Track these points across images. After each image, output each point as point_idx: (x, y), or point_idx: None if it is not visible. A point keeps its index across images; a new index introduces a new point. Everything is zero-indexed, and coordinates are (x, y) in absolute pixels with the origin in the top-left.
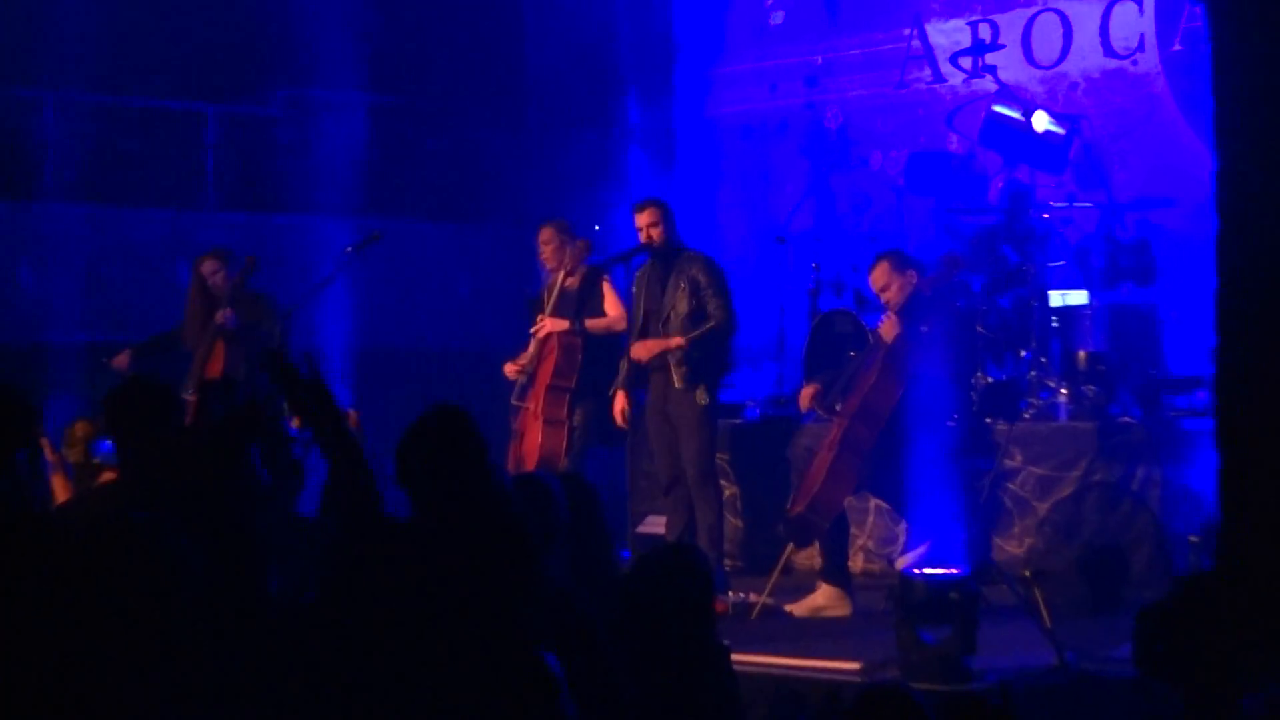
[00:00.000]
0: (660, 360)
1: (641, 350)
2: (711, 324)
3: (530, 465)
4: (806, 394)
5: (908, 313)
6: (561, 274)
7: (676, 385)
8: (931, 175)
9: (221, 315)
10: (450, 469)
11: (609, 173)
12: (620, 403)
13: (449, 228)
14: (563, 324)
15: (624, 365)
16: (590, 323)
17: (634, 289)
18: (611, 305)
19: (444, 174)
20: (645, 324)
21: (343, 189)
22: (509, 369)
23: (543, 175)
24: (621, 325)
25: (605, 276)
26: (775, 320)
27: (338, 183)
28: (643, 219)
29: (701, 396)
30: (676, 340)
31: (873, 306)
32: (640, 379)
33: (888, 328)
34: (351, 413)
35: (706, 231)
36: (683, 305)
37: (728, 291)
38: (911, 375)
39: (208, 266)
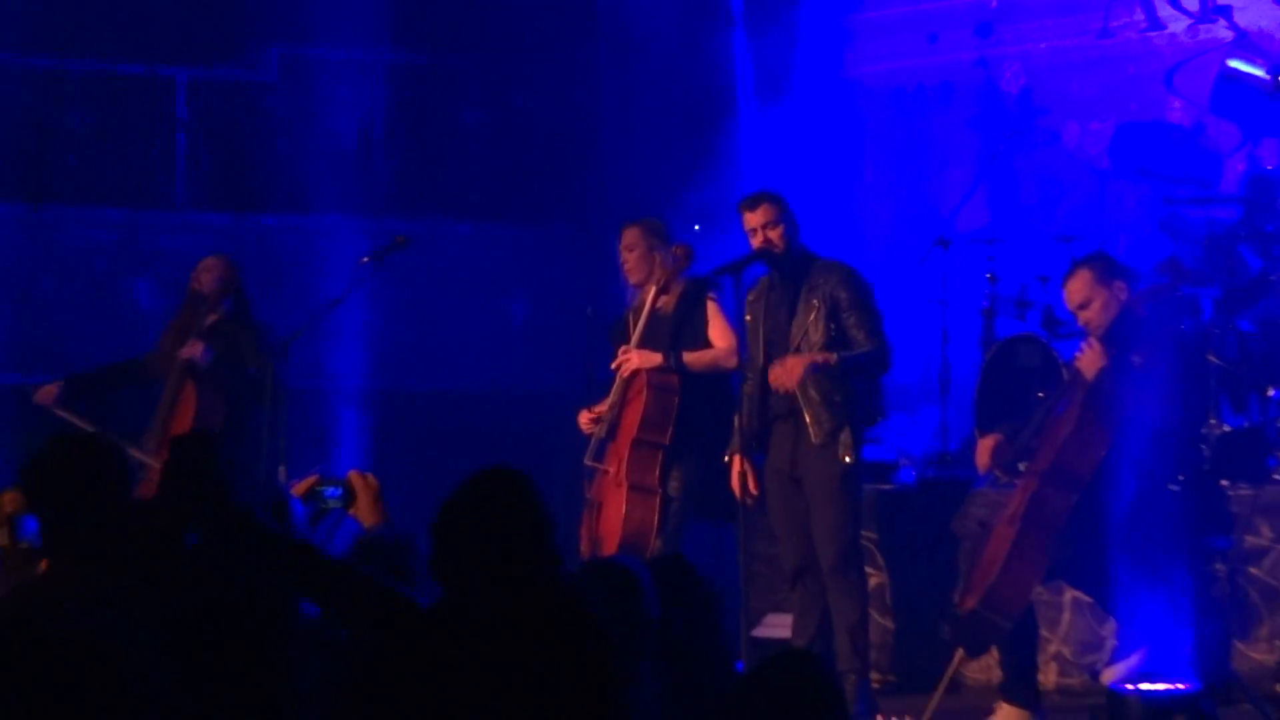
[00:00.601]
0: (786, 405)
1: (783, 373)
2: (865, 349)
3: (611, 547)
4: (985, 448)
5: (1115, 339)
6: (651, 290)
7: (813, 439)
8: (1146, 154)
9: (190, 349)
10: (502, 554)
11: (712, 156)
12: (740, 467)
13: (498, 230)
14: (654, 358)
15: (741, 415)
16: (691, 356)
17: (746, 312)
18: (719, 333)
19: (490, 158)
20: (766, 357)
21: (357, 179)
22: (583, 419)
23: (623, 160)
24: (733, 361)
25: (711, 295)
26: (936, 350)
27: (350, 171)
28: (754, 218)
29: (845, 453)
30: (824, 354)
31: (1068, 330)
32: (761, 434)
33: (1089, 359)
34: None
35: (843, 232)
36: (817, 332)
37: (878, 313)
38: (1121, 423)
39: (205, 264)
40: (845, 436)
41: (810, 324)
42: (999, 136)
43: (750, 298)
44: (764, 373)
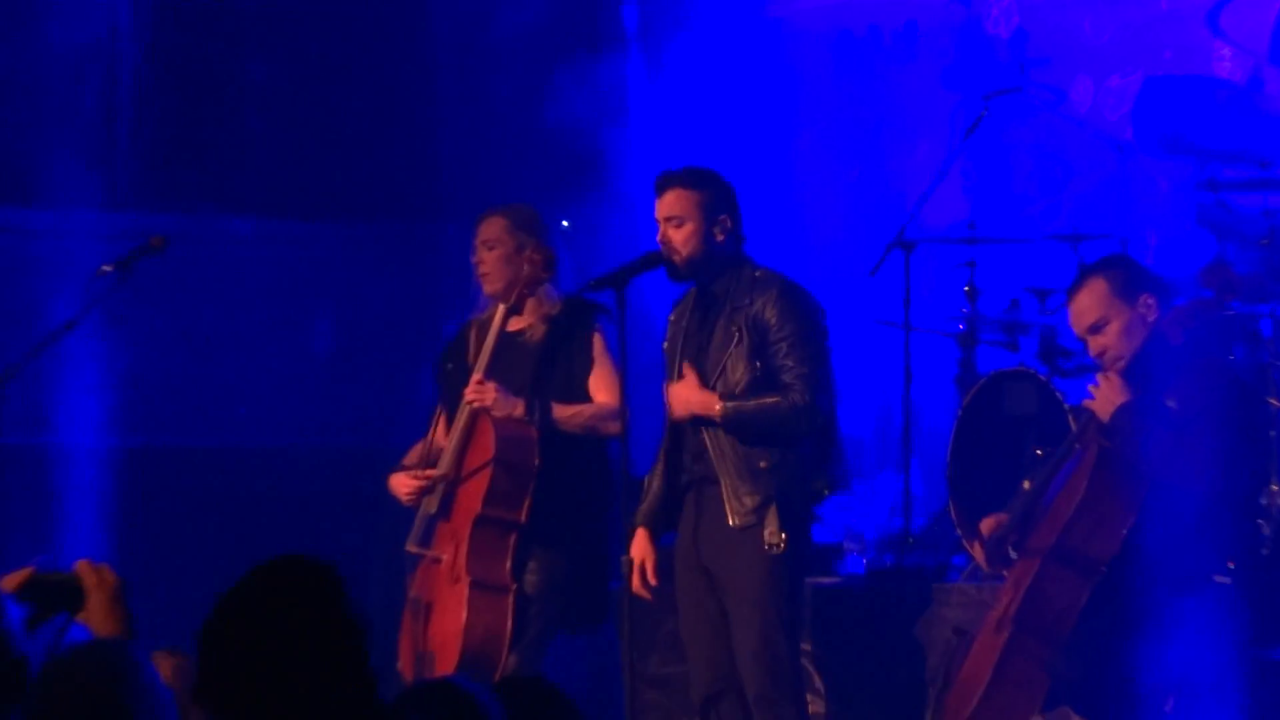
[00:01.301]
0: (700, 468)
1: (672, 399)
2: (776, 399)
3: (445, 665)
4: (981, 538)
5: (1141, 375)
6: (500, 307)
7: (729, 519)
8: (1183, 120)
9: None
10: (295, 675)
11: (592, 123)
12: (641, 548)
13: (295, 229)
14: (510, 404)
15: (653, 483)
16: (564, 412)
17: (666, 335)
18: (602, 383)
19: (284, 129)
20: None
21: (94, 158)
22: (403, 487)
23: (467, 135)
24: (615, 426)
25: (598, 327)
26: (895, 392)
27: (84, 146)
28: (661, 206)
29: (773, 538)
30: (711, 400)
31: (1077, 364)
32: (671, 505)
33: (1105, 402)
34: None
35: (766, 232)
36: (738, 370)
37: (820, 348)
38: (1149, 489)
39: None
40: (772, 516)
41: (730, 360)
42: (981, 97)
43: (672, 318)
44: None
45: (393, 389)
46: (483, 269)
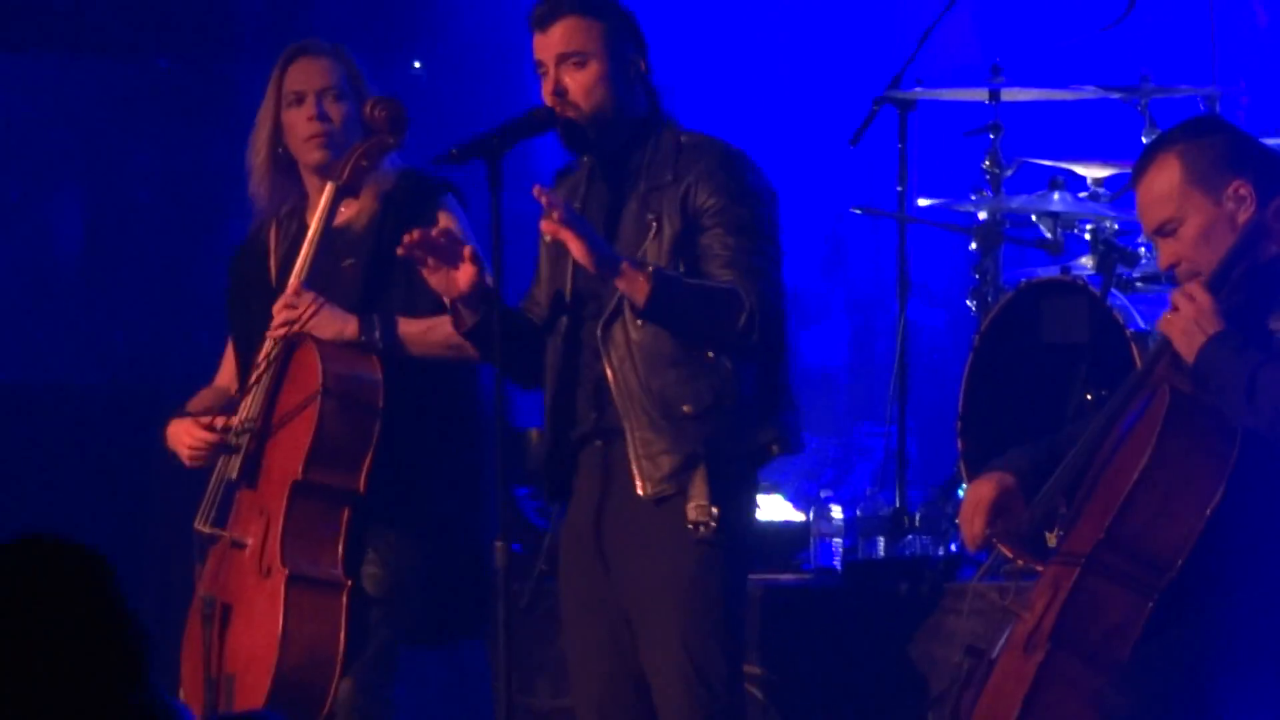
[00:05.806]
0: (598, 415)
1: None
2: (725, 285)
3: (252, 691)
4: (979, 500)
5: (1234, 290)
6: (329, 190)
7: (641, 489)
8: None
9: None
10: (43, 702)
11: None
12: None
13: (38, 65)
14: (339, 322)
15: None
16: (413, 328)
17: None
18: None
19: None
20: (574, 313)
21: None
22: (184, 438)
23: None
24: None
25: (445, 207)
26: (883, 311)
27: None
28: (547, 43)
29: (702, 512)
30: (636, 282)
31: (1146, 272)
32: (560, 465)
33: (1186, 323)
34: None
35: (700, 89)
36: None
37: (769, 240)
38: (1244, 454)
39: None
40: (699, 483)
41: (644, 255)
42: None
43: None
44: (567, 340)
45: (168, 307)
46: (309, 130)
